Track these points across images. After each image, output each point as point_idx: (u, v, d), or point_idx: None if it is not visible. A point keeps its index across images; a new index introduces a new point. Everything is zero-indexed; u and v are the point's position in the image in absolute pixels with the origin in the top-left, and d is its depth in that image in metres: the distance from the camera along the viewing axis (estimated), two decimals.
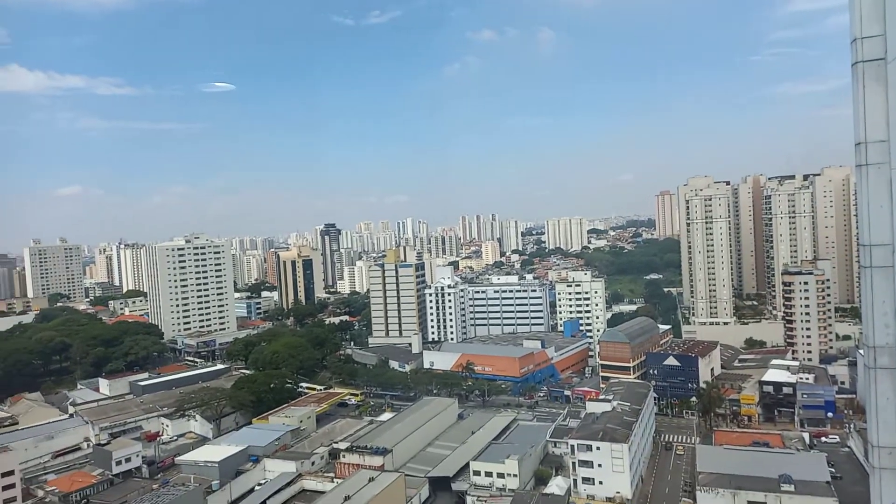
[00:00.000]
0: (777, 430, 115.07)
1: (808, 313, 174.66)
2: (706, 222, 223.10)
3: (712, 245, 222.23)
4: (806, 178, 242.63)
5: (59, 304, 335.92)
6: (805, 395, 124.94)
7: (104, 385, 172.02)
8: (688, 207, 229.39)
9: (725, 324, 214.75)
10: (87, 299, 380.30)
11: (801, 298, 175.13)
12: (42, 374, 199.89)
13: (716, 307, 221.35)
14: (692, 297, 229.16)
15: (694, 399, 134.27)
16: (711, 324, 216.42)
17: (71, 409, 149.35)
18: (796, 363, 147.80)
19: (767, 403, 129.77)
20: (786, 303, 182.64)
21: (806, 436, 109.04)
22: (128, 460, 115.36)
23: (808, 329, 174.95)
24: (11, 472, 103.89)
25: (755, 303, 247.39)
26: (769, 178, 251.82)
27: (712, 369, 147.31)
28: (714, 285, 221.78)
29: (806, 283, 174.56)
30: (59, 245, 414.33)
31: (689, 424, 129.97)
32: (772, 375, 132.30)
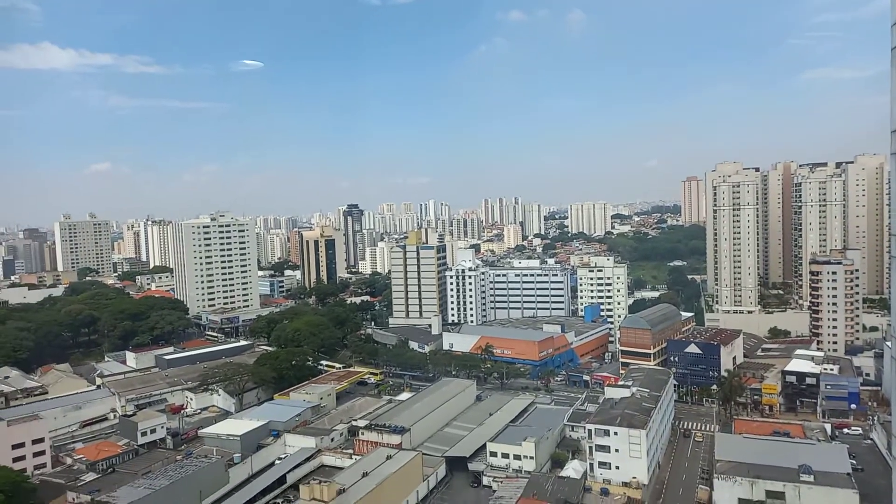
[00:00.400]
0: (798, 421, 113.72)
1: (835, 304, 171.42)
2: (733, 209, 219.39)
3: (739, 232, 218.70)
4: (838, 165, 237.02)
5: (87, 279, 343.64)
6: (828, 386, 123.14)
7: (131, 358, 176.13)
8: (715, 194, 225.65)
9: (749, 312, 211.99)
10: (115, 274, 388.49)
11: (828, 288, 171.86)
12: (71, 346, 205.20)
13: (740, 295, 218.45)
14: (716, 284, 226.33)
15: (715, 387, 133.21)
16: (735, 312, 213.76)
17: (98, 381, 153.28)
18: (821, 354, 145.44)
19: (790, 393, 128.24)
20: (813, 292, 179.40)
21: (828, 427, 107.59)
22: (153, 431, 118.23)
23: (834, 319, 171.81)
24: (42, 440, 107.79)
25: (781, 292, 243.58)
26: (800, 166, 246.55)
27: (734, 358, 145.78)
28: (739, 273, 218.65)
29: (834, 272, 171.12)
30: (89, 220, 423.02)
31: (709, 412, 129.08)
32: (795, 365, 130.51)
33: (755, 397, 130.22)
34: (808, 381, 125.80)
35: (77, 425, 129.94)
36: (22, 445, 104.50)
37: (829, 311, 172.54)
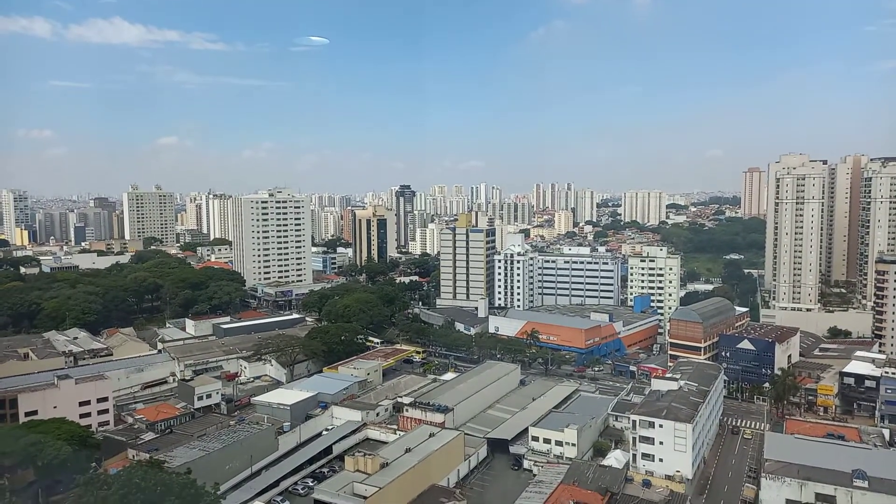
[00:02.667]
0: (854, 424, 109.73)
1: None
2: (797, 203, 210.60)
3: (801, 227, 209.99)
4: None
5: (152, 248, 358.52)
6: (889, 390, 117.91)
7: (190, 325, 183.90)
8: (778, 186, 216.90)
9: (808, 310, 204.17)
10: (178, 244, 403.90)
11: (894, 289, 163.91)
12: (135, 312, 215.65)
13: (799, 292, 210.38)
14: (774, 280, 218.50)
15: (767, 385, 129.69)
16: (793, 309, 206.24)
17: (160, 346, 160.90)
18: (883, 356, 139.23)
19: (847, 395, 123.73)
20: (877, 292, 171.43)
21: (886, 432, 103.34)
22: (208, 396, 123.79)
23: None
24: (106, 399, 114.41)
25: (843, 290, 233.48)
26: (871, 160, 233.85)
27: (790, 356, 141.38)
28: (799, 269, 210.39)
29: None
30: (155, 192, 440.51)
31: (760, 411, 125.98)
32: (855, 367, 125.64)
33: (810, 398, 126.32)
34: (868, 383, 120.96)
35: (138, 387, 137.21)
36: (88, 403, 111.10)
37: (893, 312, 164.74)
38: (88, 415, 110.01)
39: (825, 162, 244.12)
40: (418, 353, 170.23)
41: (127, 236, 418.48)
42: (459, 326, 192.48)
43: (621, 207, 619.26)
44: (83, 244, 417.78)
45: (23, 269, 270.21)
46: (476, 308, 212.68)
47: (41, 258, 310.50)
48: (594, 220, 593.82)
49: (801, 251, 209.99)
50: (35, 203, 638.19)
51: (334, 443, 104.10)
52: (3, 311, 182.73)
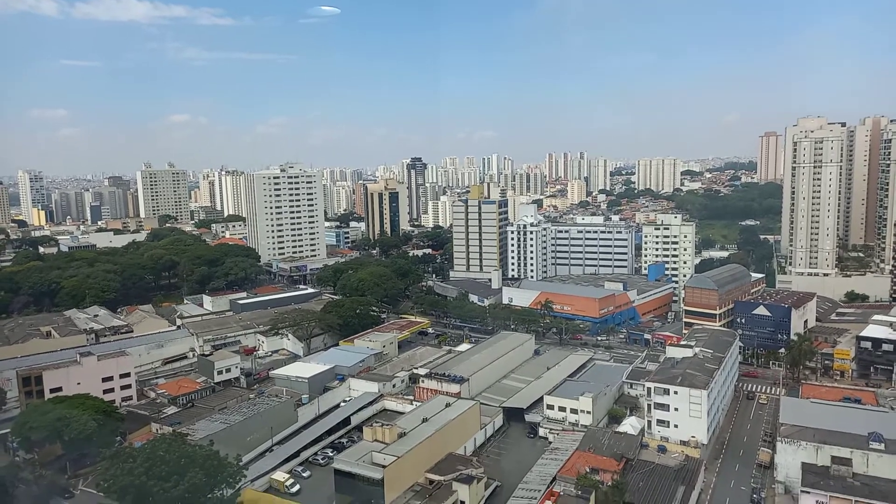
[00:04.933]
0: (871, 388, 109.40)
1: None
2: (815, 166, 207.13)
3: (819, 191, 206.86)
4: None
5: (167, 225, 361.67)
6: None
7: (207, 301, 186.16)
8: (795, 150, 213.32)
9: (825, 275, 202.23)
10: (193, 221, 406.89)
11: None
12: (153, 289, 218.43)
13: (816, 257, 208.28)
14: (791, 245, 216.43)
15: (783, 350, 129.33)
16: (810, 274, 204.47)
17: (178, 322, 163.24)
18: None
19: (864, 360, 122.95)
20: None
21: None
22: (228, 371, 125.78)
23: None
24: (128, 374, 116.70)
25: (861, 254, 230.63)
26: (891, 121, 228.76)
27: (806, 321, 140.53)
28: (817, 234, 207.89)
29: None
30: (168, 170, 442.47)
31: (776, 376, 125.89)
32: (872, 331, 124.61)
33: (826, 362, 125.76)
34: (885, 347, 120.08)
35: (159, 362, 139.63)
36: (111, 379, 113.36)
37: None
38: (112, 390, 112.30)
39: (844, 124, 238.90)
40: (420, 322, 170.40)
41: (142, 214, 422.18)
42: (473, 298, 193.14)
43: (635, 175, 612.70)
44: (99, 223, 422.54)
45: (41, 249, 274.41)
46: (489, 279, 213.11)
47: (59, 238, 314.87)
48: (608, 188, 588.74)
49: (818, 216, 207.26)
50: (51, 183, 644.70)
51: (352, 414, 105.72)
52: (25, 291, 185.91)
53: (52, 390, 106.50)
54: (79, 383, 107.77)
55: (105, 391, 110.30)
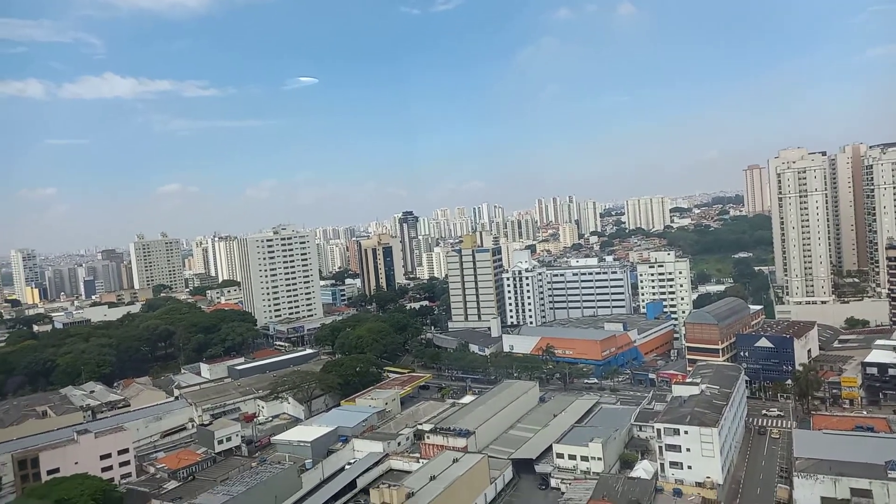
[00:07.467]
0: (882, 415, 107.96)
1: None
2: (800, 196, 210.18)
3: (807, 220, 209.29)
4: None
5: (162, 295, 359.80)
6: None
7: (205, 369, 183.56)
8: (779, 181, 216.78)
9: (823, 303, 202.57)
10: (187, 289, 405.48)
11: None
12: (149, 360, 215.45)
13: (812, 285, 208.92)
14: (786, 275, 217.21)
15: (789, 382, 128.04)
16: (808, 303, 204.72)
17: (176, 392, 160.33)
18: None
19: (871, 386, 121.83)
20: (891, 279, 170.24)
21: None
22: (228, 439, 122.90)
23: None
24: (126, 450, 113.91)
25: (856, 280, 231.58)
26: (870, 147, 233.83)
27: (809, 351, 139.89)
28: (810, 262, 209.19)
29: None
30: (161, 239, 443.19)
31: (785, 408, 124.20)
32: (876, 356, 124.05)
33: (834, 391, 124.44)
34: (892, 371, 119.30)
35: (158, 435, 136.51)
36: (109, 456, 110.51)
37: None
38: (110, 468, 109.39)
39: (824, 153, 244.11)
40: (419, 376, 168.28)
41: (136, 285, 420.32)
42: (474, 348, 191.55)
43: (625, 216, 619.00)
44: (94, 297, 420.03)
45: (35, 328, 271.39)
46: (489, 328, 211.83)
47: (53, 315, 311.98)
48: (599, 230, 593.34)
49: (809, 244, 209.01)
50: (43, 261, 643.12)
51: (358, 476, 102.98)
52: (20, 371, 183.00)
53: (48, 472, 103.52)
54: (76, 463, 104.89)
55: (103, 469, 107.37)
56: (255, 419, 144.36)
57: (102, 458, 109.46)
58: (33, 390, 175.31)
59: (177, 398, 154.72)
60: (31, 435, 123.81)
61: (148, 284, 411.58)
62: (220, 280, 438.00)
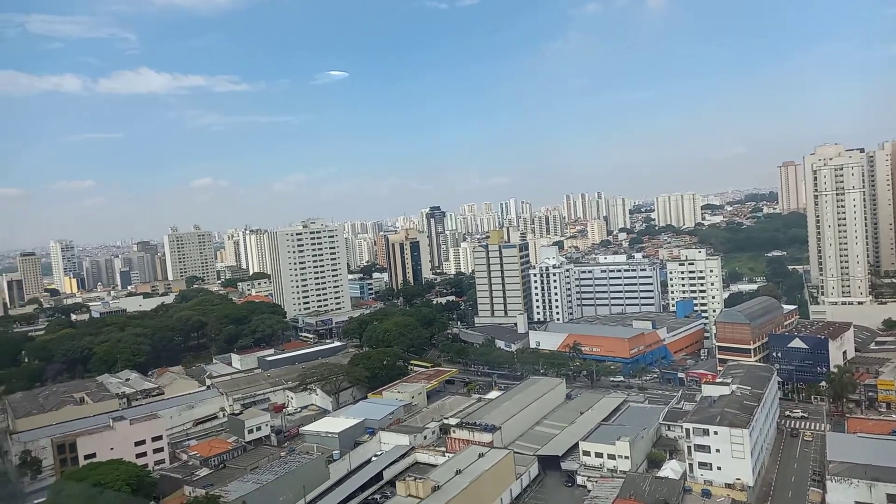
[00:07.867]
0: None
1: None
2: (837, 194, 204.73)
3: (844, 218, 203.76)
4: None
5: (194, 286, 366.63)
6: None
7: (236, 360, 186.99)
8: (815, 179, 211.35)
9: (860, 303, 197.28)
10: (219, 281, 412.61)
11: None
12: (182, 350, 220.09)
13: (848, 285, 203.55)
14: (821, 274, 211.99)
15: (823, 384, 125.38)
16: (843, 304, 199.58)
17: (208, 382, 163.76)
18: None
19: None
20: None
21: None
22: (258, 429, 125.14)
23: None
24: (160, 437, 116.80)
25: (895, 280, 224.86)
26: None
27: (845, 352, 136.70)
28: (846, 262, 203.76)
29: None
30: (194, 232, 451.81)
31: (818, 411, 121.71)
32: None
33: (870, 394, 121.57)
34: None
35: (190, 423, 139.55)
36: (143, 442, 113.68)
37: None
38: (144, 454, 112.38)
39: (862, 150, 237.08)
40: (450, 373, 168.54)
41: (170, 277, 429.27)
42: (500, 343, 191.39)
43: (654, 212, 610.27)
44: (129, 287, 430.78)
45: (73, 317, 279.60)
46: (515, 324, 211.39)
47: (90, 304, 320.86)
48: (628, 226, 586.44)
49: (846, 243, 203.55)
50: (81, 252, 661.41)
51: (384, 468, 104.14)
52: (58, 358, 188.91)
53: (86, 457, 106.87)
54: (112, 448, 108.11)
55: (138, 455, 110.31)
56: (284, 410, 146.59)
57: (137, 444, 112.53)
58: (71, 377, 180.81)
59: (209, 387, 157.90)
60: (69, 420, 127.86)
61: (181, 275, 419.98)
62: (251, 272, 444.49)
